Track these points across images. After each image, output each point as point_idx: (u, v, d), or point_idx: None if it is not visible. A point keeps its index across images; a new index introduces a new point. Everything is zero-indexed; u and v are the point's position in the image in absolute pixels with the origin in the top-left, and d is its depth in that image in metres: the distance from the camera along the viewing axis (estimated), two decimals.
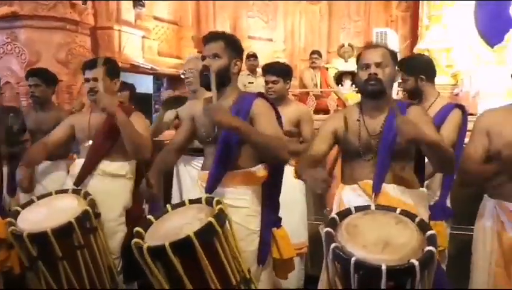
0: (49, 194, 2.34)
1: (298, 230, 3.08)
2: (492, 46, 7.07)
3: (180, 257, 1.64)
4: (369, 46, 2.09)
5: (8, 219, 2.11)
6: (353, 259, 1.43)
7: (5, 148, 3.11)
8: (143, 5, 6.72)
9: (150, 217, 1.88)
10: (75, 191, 2.33)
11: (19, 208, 2.20)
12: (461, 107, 2.70)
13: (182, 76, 3.26)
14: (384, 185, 1.96)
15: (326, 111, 6.00)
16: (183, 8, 7.90)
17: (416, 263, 1.39)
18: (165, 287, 1.71)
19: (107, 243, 2.36)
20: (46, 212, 2.17)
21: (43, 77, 3.34)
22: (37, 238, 2.00)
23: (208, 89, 2.12)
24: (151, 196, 2.09)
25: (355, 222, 1.64)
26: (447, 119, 2.57)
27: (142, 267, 1.72)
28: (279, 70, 3.08)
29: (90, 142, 2.53)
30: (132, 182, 2.60)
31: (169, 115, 3.38)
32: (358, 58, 2.08)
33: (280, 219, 2.29)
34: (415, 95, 2.76)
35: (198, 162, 2.97)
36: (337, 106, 6.12)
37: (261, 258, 2.13)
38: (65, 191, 2.36)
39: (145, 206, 3.48)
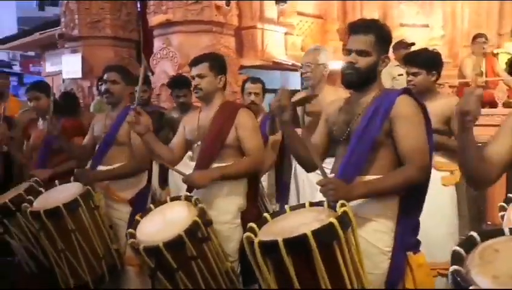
0: (164, 201, 2.39)
1: (445, 247, 2.57)
2: None
3: (294, 255, 1.51)
4: None
5: (129, 231, 2.20)
6: (471, 288, 1.08)
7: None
8: (285, 1, 6.67)
9: (266, 215, 1.81)
10: (187, 198, 2.30)
11: (139, 218, 2.26)
12: None
13: (300, 70, 3.06)
14: None
15: (493, 104, 5.07)
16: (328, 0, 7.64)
17: None
18: (272, 287, 1.58)
19: (223, 247, 2.28)
20: (160, 223, 2.21)
21: (188, 86, 3.59)
22: (152, 251, 2.04)
23: (349, 87, 1.93)
24: None
25: (497, 246, 1.21)
26: None
27: None
28: (421, 61, 2.63)
29: (199, 143, 2.44)
30: (245, 183, 2.44)
31: None
32: None
33: (419, 242, 1.88)
34: None
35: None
36: (508, 97, 5.13)
37: (390, 286, 1.78)
38: (178, 197, 2.36)
39: (275, 206, 3.39)
